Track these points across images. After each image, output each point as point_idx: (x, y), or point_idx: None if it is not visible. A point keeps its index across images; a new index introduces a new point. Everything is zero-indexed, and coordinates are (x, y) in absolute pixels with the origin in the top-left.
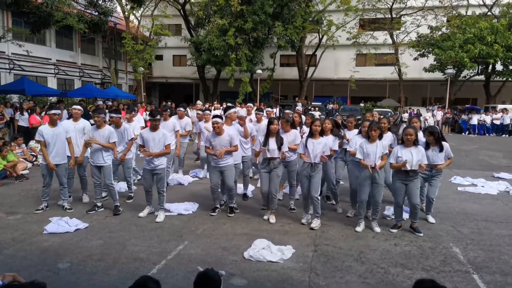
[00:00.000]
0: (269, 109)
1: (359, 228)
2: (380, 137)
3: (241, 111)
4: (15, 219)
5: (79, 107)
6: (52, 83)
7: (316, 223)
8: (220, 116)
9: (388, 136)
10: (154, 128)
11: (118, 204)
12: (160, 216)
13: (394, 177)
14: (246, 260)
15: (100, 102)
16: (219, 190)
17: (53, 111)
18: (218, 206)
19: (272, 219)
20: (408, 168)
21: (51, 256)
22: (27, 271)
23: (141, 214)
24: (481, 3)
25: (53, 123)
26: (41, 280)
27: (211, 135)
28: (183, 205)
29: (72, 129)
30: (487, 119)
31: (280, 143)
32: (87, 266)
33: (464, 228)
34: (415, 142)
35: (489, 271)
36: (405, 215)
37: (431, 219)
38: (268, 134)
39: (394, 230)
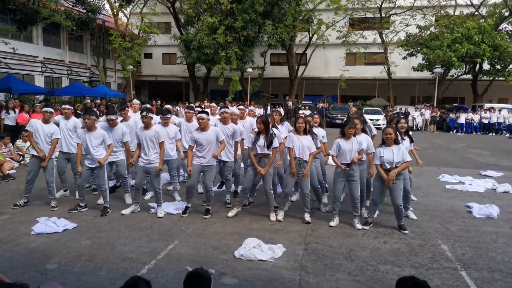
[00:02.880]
0: (252, 108)
1: (333, 223)
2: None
3: (233, 109)
4: (2, 219)
5: (68, 106)
6: (39, 81)
7: (308, 217)
8: (206, 112)
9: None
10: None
11: (108, 206)
12: (160, 212)
13: (376, 176)
14: (236, 259)
15: (88, 101)
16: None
17: (46, 109)
18: (190, 206)
19: (273, 217)
20: (388, 167)
21: (38, 256)
22: (14, 272)
23: (123, 212)
24: (469, 3)
25: (46, 121)
26: (27, 281)
27: (196, 132)
28: (173, 205)
29: (64, 129)
30: (475, 117)
31: (270, 141)
32: (75, 266)
33: (452, 226)
34: (396, 141)
35: (477, 268)
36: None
37: (412, 215)
38: (259, 131)
39: (366, 227)
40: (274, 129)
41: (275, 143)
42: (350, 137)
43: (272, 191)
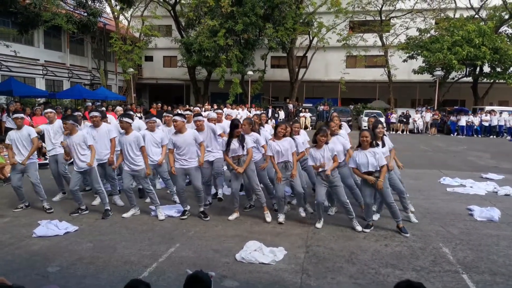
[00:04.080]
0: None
1: (318, 225)
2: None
3: (212, 113)
4: (3, 222)
5: (50, 110)
6: (40, 84)
7: (303, 213)
8: (181, 115)
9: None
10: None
11: (109, 208)
12: (160, 214)
13: (361, 181)
14: (238, 262)
15: (89, 104)
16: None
17: (16, 115)
18: (187, 209)
19: (268, 217)
20: (363, 170)
21: (40, 259)
22: (16, 274)
23: (124, 215)
24: (469, 6)
25: (19, 127)
26: (28, 284)
27: (174, 135)
28: (174, 207)
29: (50, 131)
30: (475, 120)
31: (242, 142)
32: (77, 269)
33: (453, 229)
34: (372, 144)
35: (478, 271)
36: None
37: (413, 218)
38: (231, 136)
39: (367, 230)
40: (254, 133)
41: (249, 144)
42: (321, 145)
43: (259, 188)
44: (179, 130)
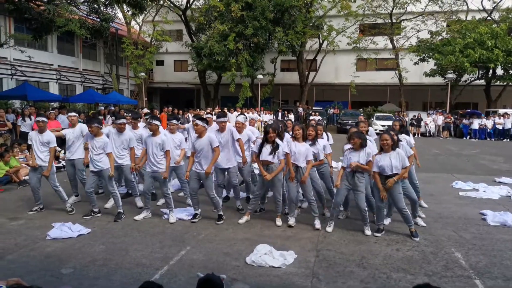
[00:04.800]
0: (255, 116)
1: (329, 229)
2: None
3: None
4: (18, 224)
5: (73, 113)
6: (53, 89)
7: (318, 224)
8: (203, 119)
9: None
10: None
11: (122, 210)
12: (172, 218)
13: (375, 183)
14: (248, 266)
15: (102, 108)
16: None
17: (39, 118)
18: (198, 212)
19: (279, 222)
20: (387, 173)
21: (54, 261)
22: (30, 276)
23: (136, 218)
24: (481, 8)
25: (41, 130)
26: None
27: (194, 139)
28: (185, 211)
29: (70, 138)
30: (488, 123)
31: (274, 149)
32: (90, 271)
33: (466, 233)
34: (393, 147)
35: (491, 276)
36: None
37: (421, 222)
38: (265, 140)
39: (378, 234)
40: (278, 140)
41: (281, 155)
42: (358, 148)
43: (281, 198)
44: (199, 135)
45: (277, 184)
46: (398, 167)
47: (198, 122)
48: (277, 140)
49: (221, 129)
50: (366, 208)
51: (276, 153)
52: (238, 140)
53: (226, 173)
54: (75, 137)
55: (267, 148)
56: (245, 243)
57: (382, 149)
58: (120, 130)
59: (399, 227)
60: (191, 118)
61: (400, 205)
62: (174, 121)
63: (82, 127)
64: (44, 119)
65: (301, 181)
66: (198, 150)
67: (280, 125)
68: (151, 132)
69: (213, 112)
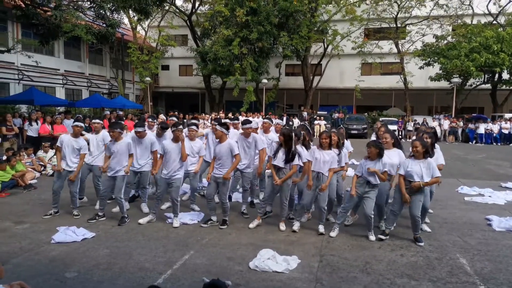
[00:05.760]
0: (279, 121)
1: (333, 234)
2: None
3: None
4: (23, 228)
5: (97, 120)
6: (60, 93)
7: (322, 229)
8: (223, 123)
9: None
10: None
11: (126, 215)
12: (176, 222)
13: (397, 188)
14: (251, 270)
15: (107, 112)
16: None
17: (77, 123)
18: (214, 219)
19: (282, 227)
20: (416, 179)
21: (58, 265)
22: (35, 280)
23: (140, 221)
24: (486, 12)
25: (75, 135)
26: None
27: (215, 144)
28: (189, 215)
29: (93, 141)
30: (494, 128)
31: (290, 157)
32: (94, 275)
33: (471, 239)
34: (426, 154)
35: (496, 283)
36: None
37: (425, 227)
38: (280, 145)
39: (383, 237)
40: (299, 147)
41: (296, 161)
42: (374, 158)
43: (286, 203)
44: (219, 140)
45: (285, 189)
46: (427, 177)
47: (218, 127)
48: (298, 148)
49: (246, 135)
50: (373, 216)
51: (289, 159)
52: (262, 150)
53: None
54: (97, 143)
55: (282, 152)
56: (248, 248)
57: (413, 155)
58: (141, 136)
59: (403, 232)
60: (207, 123)
61: (416, 213)
62: (194, 127)
63: (105, 135)
64: (81, 124)
65: (321, 188)
66: (218, 157)
67: (303, 132)
68: (141, 138)
69: (218, 117)
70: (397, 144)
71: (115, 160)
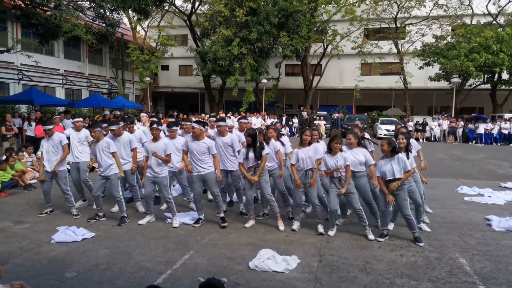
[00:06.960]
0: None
1: (331, 232)
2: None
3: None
4: (23, 228)
5: (80, 119)
6: (60, 93)
7: (321, 229)
8: (201, 122)
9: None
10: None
11: (125, 215)
12: (176, 222)
13: (380, 189)
14: (251, 270)
15: (107, 112)
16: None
17: (78, 119)
18: (202, 217)
19: (281, 226)
20: (388, 177)
21: (58, 265)
22: (35, 280)
23: (140, 222)
24: (486, 12)
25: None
26: None
27: (189, 141)
28: (188, 215)
29: (75, 140)
30: (494, 128)
31: (259, 152)
32: (93, 275)
33: (470, 239)
34: (393, 152)
35: (496, 282)
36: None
37: (425, 227)
38: (249, 145)
39: (382, 239)
40: (275, 142)
41: (264, 151)
42: (336, 152)
43: (273, 199)
44: (196, 137)
45: (264, 186)
46: (400, 171)
47: (195, 125)
48: (265, 144)
49: (221, 133)
50: (361, 208)
51: (262, 153)
52: (239, 151)
53: (229, 176)
54: (79, 141)
55: (251, 152)
56: (248, 248)
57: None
58: (117, 134)
59: (403, 232)
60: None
61: (405, 212)
62: (175, 127)
63: (87, 132)
64: (81, 119)
65: (309, 184)
66: (196, 153)
67: (257, 131)
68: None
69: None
70: (362, 143)
71: (100, 161)
